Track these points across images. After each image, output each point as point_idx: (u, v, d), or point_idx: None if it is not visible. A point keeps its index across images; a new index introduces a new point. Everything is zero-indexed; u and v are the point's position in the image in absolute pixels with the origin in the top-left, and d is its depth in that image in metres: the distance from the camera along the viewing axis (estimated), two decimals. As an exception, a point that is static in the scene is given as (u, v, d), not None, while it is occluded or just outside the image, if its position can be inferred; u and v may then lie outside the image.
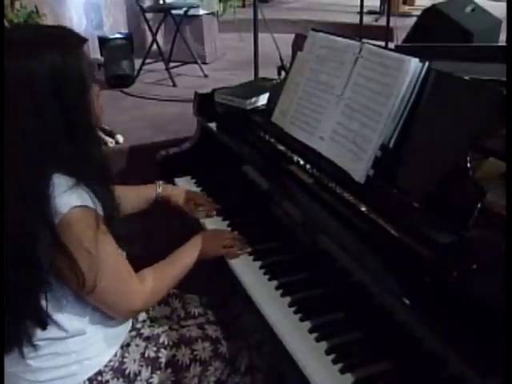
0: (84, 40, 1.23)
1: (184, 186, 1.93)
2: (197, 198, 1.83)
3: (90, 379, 1.30)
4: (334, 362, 1.17)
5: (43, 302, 1.20)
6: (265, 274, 1.47)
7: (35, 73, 1.10)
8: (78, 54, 1.17)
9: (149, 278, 1.36)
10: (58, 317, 1.24)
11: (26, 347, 1.24)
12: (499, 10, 4.19)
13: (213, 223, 1.75)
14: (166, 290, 1.43)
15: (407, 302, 1.07)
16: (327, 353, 1.19)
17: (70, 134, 1.16)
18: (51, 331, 1.25)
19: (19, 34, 1.20)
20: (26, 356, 1.25)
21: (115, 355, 1.34)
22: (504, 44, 3.20)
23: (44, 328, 1.23)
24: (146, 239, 1.74)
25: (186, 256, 1.48)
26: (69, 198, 1.13)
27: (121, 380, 1.33)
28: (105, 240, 1.21)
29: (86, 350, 1.29)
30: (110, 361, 1.33)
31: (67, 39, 1.19)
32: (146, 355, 1.38)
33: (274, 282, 1.43)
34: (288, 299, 1.37)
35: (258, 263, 1.52)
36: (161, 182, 1.79)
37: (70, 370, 1.28)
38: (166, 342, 1.42)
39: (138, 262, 1.37)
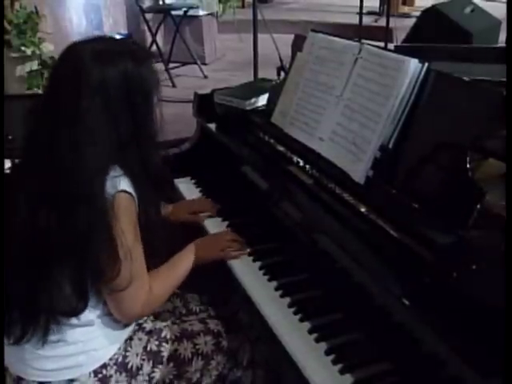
0: (152, 54, 1.35)
1: (189, 196, 1.93)
2: (200, 207, 1.82)
3: (95, 371, 1.31)
4: (334, 362, 1.17)
5: (88, 287, 1.24)
6: (264, 274, 1.47)
7: (111, 79, 1.20)
8: (148, 66, 1.28)
9: (155, 284, 1.36)
10: None
11: (48, 331, 1.26)
12: (498, 11, 4.20)
13: (212, 223, 1.75)
14: (168, 294, 1.44)
15: (406, 302, 1.07)
16: (327, 353, 1.19)
17: (136, 138, 1.24)
18: None
19: (99, 44, 1.27)
20: (38, 343, 1.27)
21: (119, 348, 1.36)
22: (503, 45, 3.21)
23: (79, 313, 1.25)
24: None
25: (184, 263, 1.48)
26: (119, 182, 1.21)
27: (123, 374, 1.34)
28: (138, 236, 1.26)
29: (93, 341, 1.31)
30: (114, 354, 1.34)
31: (139, 52, 1.29)
32: (149, 349, 1.39)
33: (274, 283, 1.43)
34: (288, 300, 1.37)
35: (258, 264, 1.52)
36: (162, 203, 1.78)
37: (76, 360, 1.30)
38: (168, 336, 1.42)
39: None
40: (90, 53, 1.21)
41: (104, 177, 1.20)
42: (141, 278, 1.29)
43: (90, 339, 1.31)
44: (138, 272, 1.27)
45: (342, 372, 1.15)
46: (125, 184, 1.22)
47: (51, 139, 1.20)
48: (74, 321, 1.28)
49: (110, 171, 1.21)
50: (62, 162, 1.19)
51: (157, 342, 1.40)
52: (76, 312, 1.25)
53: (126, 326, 1.38)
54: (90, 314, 1.29)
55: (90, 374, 1.30)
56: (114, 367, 1.33)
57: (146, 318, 1.47)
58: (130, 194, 1.23)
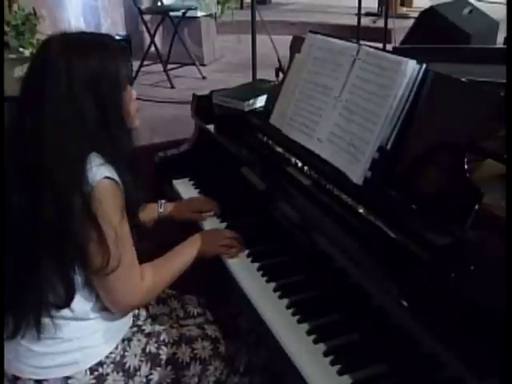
0: (124, 48, 1.36)
1: (187, 197, 1.93)
2: (203, 206, 1.82)
3: (91, 369, 1.31)
4: (332, 363, 1.17)
5: (74, 277, 1.26)
6: (263, 275, 1.47)
7: (76, 68, 1.22)
8: (115, 59, 1.29)
9: (148, 273, 1.38)
10: None
11: (41, 326, 1.27)
12: (497, 12, 4.20)
13: (211, 224, 1.75)
14: (163, 286, 1.45)
15: (405, 303, 1.07)
16: (325, 354, 1.19)
17: (103, 124, 1.26)
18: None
19: (71, 35, 1.31)
20: (33, 340, 1.28)
21: (116, 348, 1.36)
22: (502, 46, 3.21)
23: (68, 304, 1.27)
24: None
25: (185, 253, 1.50)
26: (102, 169, 1.23)
27: (120, 374, 1.34)
28: (126, 223, 1.27)
29: (88, 338, 1.32)
30: (111, 353, 1.35)
31: (107, 45, 1.31)
32: (147, 350, 1.39)
33: (272, 284, 1.43)
34: (286, 301, 1.37)
35: (256, 265, 1.52)
36: (163, 201, 1.79)
37: (72, 357, 1.30)
38: (166, 340, 1.43)
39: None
40: (59, 43, 1.25)
41: (80, 166, 1.21)
42: (131, 265, 1.30)
43: (86, 336, 1.31)
44: (128, 258, 1.28)
45: (340, 373, 1.15)
46: (107, 171, 1.23)
47: (21, 128, 1.24)
48: (68, 313, 1.28)
49: (93, 160, 1.23)
50: (33, 152, 1.22)
51: (156, 345, 1.41)
52: (65, 303, 1.26)
53: (123, 323, 1.39)
54: (85, 306, 1.30)
55: (86, 371, 1.31)
56: (111, 366, 1.33)
57: (144, 320, 1.48)
58: (113, 179, 1.24)
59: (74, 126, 1.22)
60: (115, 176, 1.25)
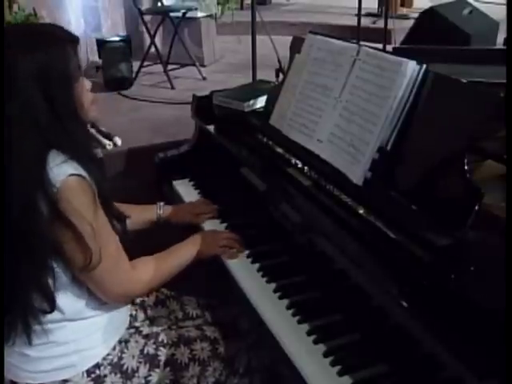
0: (73, 38, 1.29)
1: (188, 197, 1.93)
2: (201, 209, 1.80)
3: (88, 371, 1.31)
4: (332, 364, 1.17)
5: (49, 281, 1.23)
6: (263, 276, 1.47)
7: (20, 64, 1.17)
8: (64, 50, 1.24)
9: (144, 265, 1.38)
10: (56, 297, 1.26)
11: (31, 332, 1.25)
12: (497, 13, 4.20)
13: (211, 225, 1.75)
14: (159, 280, 1.44)
15: (405, 304, 1.07)
16: (325, 355, 1.19)
17: (56, 120, 1.21)
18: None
19: (13, 30, 1.30)
20: (24, 346, 1.27)
21: (114, 349, 1.35)
22: (502, 47, 3.21)
23: (52, 308, 1.25)
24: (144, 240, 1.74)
25: (184, 252, 1.50)
26: (65, 168, 1.19)
27: (118, 375, 1.34)
28: (101, 215, 1.25)
29: (84, 340, 1.31)
30: (108, 355, 1.34)
31: (54, 36, 1.26)
32: (145, 352, 1.39)
33: (272, 285, 1.43)
34: (286, 302, 1.37)
35: (256, 265, 1.52)
36: (161, 204, 1.76)
37: (69, 360, 1.30)
38: (165, 341, 1.42)
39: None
40: (6, 38, 1.21)
41: (38, 165, 1.17)
42: (117, 256, 1.30)
43: (82, 338, 1.31)
44: (111, 249, 1.27)
45: (340, 374, 1.15)
46: (71, 168, 1.20)
47: None
48: (58, 316, 1.27)
49: (53, 159, 1.19)
50: None
51: (154, 346, 1.40)
52: (49, 307, 1.24)
53: (120, 322, 1.38)
54: (76, 304, 1.29)
55: (83, 373, 1.30)
56: (109, 367, 1.33)
57: (142, 322, 1.47)
58: (78, 175, 1.20)
59: (23, 123, 1.18)
60: (81, 171, 1.21)
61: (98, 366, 1.32)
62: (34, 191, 1.16)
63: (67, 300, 1.28)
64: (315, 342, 1.23)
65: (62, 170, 1.18)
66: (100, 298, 1.32)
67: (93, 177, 1.23)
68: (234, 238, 1.60)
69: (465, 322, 0.96)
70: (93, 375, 1.31)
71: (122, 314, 1.42)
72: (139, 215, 1.71)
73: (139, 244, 1.46)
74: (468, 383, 0.93)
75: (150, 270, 1.39)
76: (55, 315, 1.27)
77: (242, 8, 6.62)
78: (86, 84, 1.32)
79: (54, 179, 1.17)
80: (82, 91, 1.30)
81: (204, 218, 1.78)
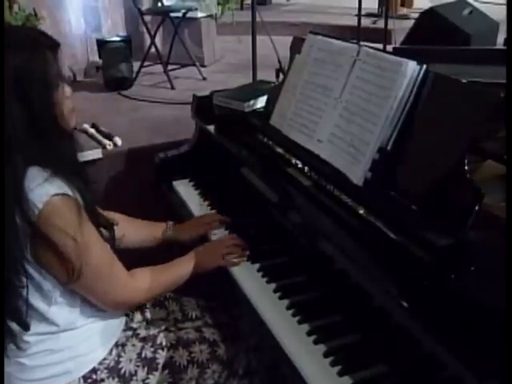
0: (53, 42, 1.24)
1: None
2: (211, 217, 1.76)
3: (84, 377, 1.30)
4: (332, 364, 1.17)
5: (22, 304, 1.21)
6: (263, 276, 1.47)
7: None
8: (43, 56, 1.19)
9: (142, 274, 1.38)
10: (48, 312, 1.25)
11: (18, 343, 1.25)
12: (497, 13, 4.20)
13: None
14: (158, 290, 1.44)
15: (405, 304, 1.07)
16: (325, 355, 1.19)
17: (35, 131, 1.16)
18: (42, 326, 1.26)
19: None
20: (19, 355, 1.26)
21: (110, 353, 1.35)
22: (502, 47, 3.21)
23: (26, 329, 1.24)
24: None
25: (183, 267, 1.48)
26: (47, 188, 1.15)
27: (116, 379, 1.33)
28: (88, 227, 1.23)
29: (79, 346, 1.30)
30: (105, 359, 1.33)
31: (33, 40, 1.21)
32: (143, 355, 1.38)
33: (272, 285, 1.43)
34: (286, 302, 1.37)
35: (257, 265, 1.51)
36: (171, 223, 1.72)
37: (64, 367, 1.29)
38: (163, 343, 1.42)
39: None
40: None
41: (15, 184, 1.13)
42: (110, 264, 1.29)
43: (77, 344, 1.30)
44: (103, 258, 1.26)
45: (340, 374, 1.14)
46: (54, 187, 1.15)
47: None
48: (53, 328, 1.26)
49: (34, 178, 1.14)
50: None
51: (152, 349, 1.39)
52: (24, 328, 1.23)
53: (115, 326, 1.38)
54: (70, 316, 1.28)
55: (79, 379, 1.29)
56: (105, 371, 1.32)
57: (139, 324, 1.46)
58: (62, 194, 1.16)
59: (4, 137, 1.12)
60: (65, 188, 1.17)
61: (94, 370, 1.31)
62: (12, 211, 1.13)
63: (62, 313, 1.27)
64: (315, 343, 1.23)
65: (44, 190, 1.14)
66: (94, 306, 1.32)
67: (77, 190, 1.20)
68: (236, 243, 1.56)
69: (465, 322, 0.96)
70: (89, 380, 1.30)
71: (118, 317, 1.41)
72: (147, 232, 1.69)
73: (141, 260, 1.46)
74: (468, 383, 0.93)
75: (147, 278, 1.38)
76: (50, 328, 1.27)
77: (242, 8, 6.62)
78: (67, 91, 1.26)
79: (35, 200, 1.13)
80: (63, 99, 1.24)
81: (213, 227, 1.72)
